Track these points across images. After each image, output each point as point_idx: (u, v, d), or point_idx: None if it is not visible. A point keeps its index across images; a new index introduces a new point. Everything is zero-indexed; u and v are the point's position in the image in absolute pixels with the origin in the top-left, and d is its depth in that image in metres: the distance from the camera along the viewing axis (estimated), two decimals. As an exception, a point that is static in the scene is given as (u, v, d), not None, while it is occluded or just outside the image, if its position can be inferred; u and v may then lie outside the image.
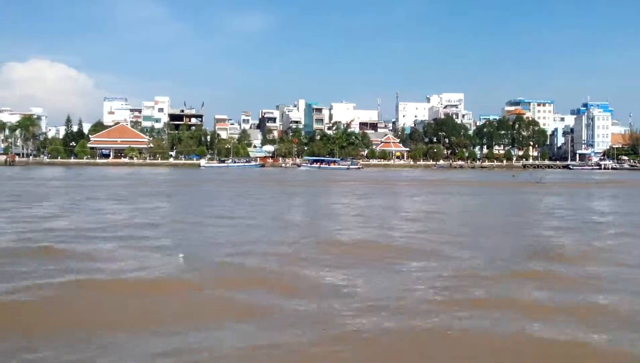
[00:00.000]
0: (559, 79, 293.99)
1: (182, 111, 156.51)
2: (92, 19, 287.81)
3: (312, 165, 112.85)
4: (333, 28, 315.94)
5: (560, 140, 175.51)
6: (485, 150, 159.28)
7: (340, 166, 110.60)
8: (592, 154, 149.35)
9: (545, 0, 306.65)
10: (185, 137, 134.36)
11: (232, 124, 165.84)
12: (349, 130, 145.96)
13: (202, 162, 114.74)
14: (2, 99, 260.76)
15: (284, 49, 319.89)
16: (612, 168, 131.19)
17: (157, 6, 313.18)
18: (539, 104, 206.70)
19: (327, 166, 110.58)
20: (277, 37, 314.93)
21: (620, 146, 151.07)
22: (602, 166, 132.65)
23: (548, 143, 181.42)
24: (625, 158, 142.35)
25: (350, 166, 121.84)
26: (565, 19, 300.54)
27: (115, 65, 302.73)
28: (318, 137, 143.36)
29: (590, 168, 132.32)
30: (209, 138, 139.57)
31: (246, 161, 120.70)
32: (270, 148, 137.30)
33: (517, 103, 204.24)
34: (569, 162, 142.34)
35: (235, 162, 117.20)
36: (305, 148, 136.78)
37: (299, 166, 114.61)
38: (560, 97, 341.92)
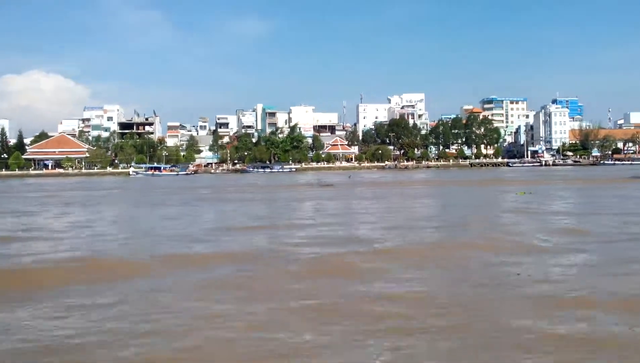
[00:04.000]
0: (535, 76, 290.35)
1: (146, 118, 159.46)
2: (88, 28, 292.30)
3: (147, 172, 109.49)
4: (323, 34, 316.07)
5: (522, 137, 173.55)
6: (441, 149, 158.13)
7: (170, 173, 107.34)
8: (541, 151, 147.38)
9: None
10: (128, 145, 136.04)
11: (189, 131, 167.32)
12: (293, 134, 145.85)
13: (131, 170, 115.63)
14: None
15: (273, 55, 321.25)
16: (554, 164, 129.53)
17: (152, 12, 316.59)
18: (511, 102, 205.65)
19: (159, 172, 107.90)
20: (270, 42, 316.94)
21: (574, 142, 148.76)
22: (544, 163, 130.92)
23: (513, 140, 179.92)
24: (570, 153, 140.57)
25: (281, 170, 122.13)
26: (547, 16, 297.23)
27: (111, 73, 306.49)
28: (263, 142, 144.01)
29: (531, 164, 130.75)
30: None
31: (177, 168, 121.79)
32: (209, 154, 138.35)
33: (490, 101, 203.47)
34: (515, 160, 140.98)
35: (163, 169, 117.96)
36: (246, 153, 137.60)
37: (137, 173, 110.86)
38: (542, 94, 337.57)
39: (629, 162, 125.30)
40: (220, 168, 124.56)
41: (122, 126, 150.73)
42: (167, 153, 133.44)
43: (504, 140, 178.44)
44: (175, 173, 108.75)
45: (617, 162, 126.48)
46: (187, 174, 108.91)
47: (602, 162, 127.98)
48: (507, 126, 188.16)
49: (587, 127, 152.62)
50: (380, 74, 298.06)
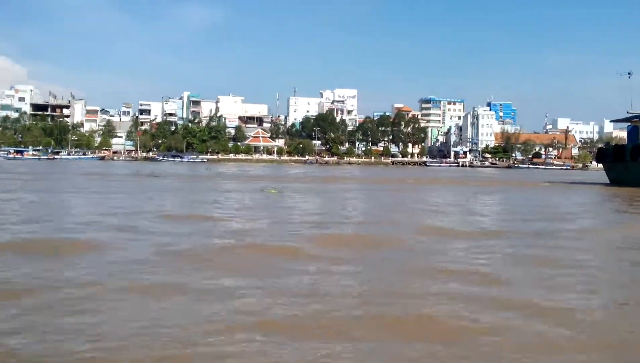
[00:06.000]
0: (474, 79, 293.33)
1: (68, 101, 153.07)
2: (27, 7, 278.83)
3: (8, 156, 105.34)
4: (262, 26, 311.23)
5: (452, 138, 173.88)
6: (369, 146, 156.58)
7: (32, 157, 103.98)
8: (462, 152, 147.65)
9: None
10: (37, 128, 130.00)
11: (112, 116, 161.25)
12: (213, 123, 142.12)
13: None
14: None
15: (212, 44, 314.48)
16: (471, 166, 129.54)
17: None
18: (449, 103, 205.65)
19: (21, 156, 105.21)
20: (211, 31, 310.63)
21: (497, 145, 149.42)
22: (461, 164, 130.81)
23: (444, 140, 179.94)
24: (489, 156, 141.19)
25: (195, 160, 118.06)
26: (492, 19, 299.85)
27: (49, 54, 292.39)
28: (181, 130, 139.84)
29: (449, 165, 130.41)
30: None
31: (82, 153, 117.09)
32: (121, 140, 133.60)
33: (428, 101, 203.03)
34: (433, 159, 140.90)
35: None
36: (160, 141, 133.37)
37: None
38: (479, 96, 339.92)
39: (543, 167, 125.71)
40: (127, 155, 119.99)
41: (36, 107, 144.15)
42: (76, 138, 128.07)
43: (437, 140, 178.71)
44: (37, 157, 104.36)
45: (531, 166, 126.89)
46: (97, 158, 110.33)
47: (516, 165, 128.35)
48: (441, 127, 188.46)
49: (515, 131, 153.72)
50: (317, 68, 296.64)
